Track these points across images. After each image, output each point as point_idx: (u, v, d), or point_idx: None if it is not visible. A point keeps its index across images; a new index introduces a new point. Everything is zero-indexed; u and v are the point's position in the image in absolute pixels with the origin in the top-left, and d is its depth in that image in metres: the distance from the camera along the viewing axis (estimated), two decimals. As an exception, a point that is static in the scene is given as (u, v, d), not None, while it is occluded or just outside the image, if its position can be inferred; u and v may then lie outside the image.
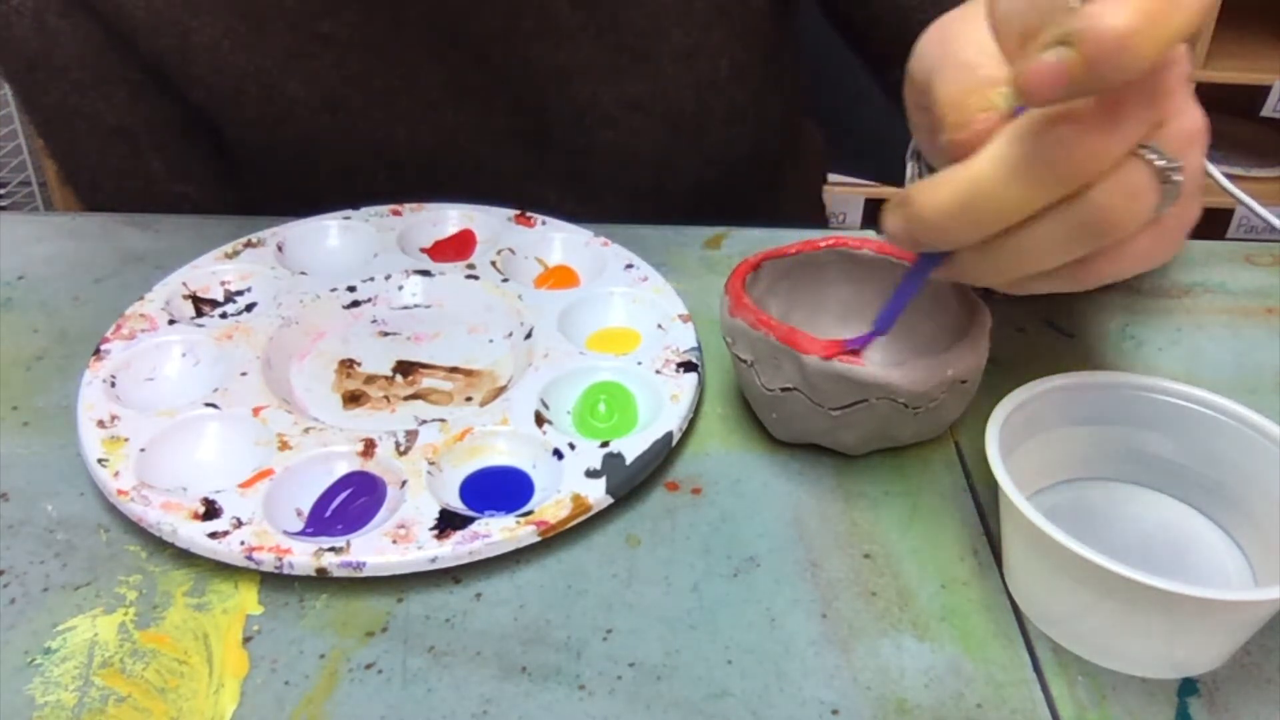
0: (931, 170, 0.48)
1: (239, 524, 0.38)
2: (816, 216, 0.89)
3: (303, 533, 0.39)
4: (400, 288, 0.53)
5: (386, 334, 0.51)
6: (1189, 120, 0.34)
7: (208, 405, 0.44)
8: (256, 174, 0.67)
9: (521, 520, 0.39)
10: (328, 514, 0.40)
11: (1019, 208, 0.32)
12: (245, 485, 0.40)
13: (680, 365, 0.47)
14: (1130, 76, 0.29)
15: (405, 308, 0.53)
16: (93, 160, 0.64)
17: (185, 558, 0.39)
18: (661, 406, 0.45)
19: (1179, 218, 0.35)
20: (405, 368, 0.49)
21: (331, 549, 0.38)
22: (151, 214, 0.61)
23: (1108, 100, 0.31)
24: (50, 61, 0.60)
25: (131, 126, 0.63)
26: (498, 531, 0.38)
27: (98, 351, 0.47)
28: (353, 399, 0.47)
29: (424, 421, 0.44)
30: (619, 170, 0.66)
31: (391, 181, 0.64)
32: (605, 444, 0.42)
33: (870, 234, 0.59)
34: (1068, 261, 0.35)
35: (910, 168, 0.54)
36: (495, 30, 0.59)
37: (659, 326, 0.50)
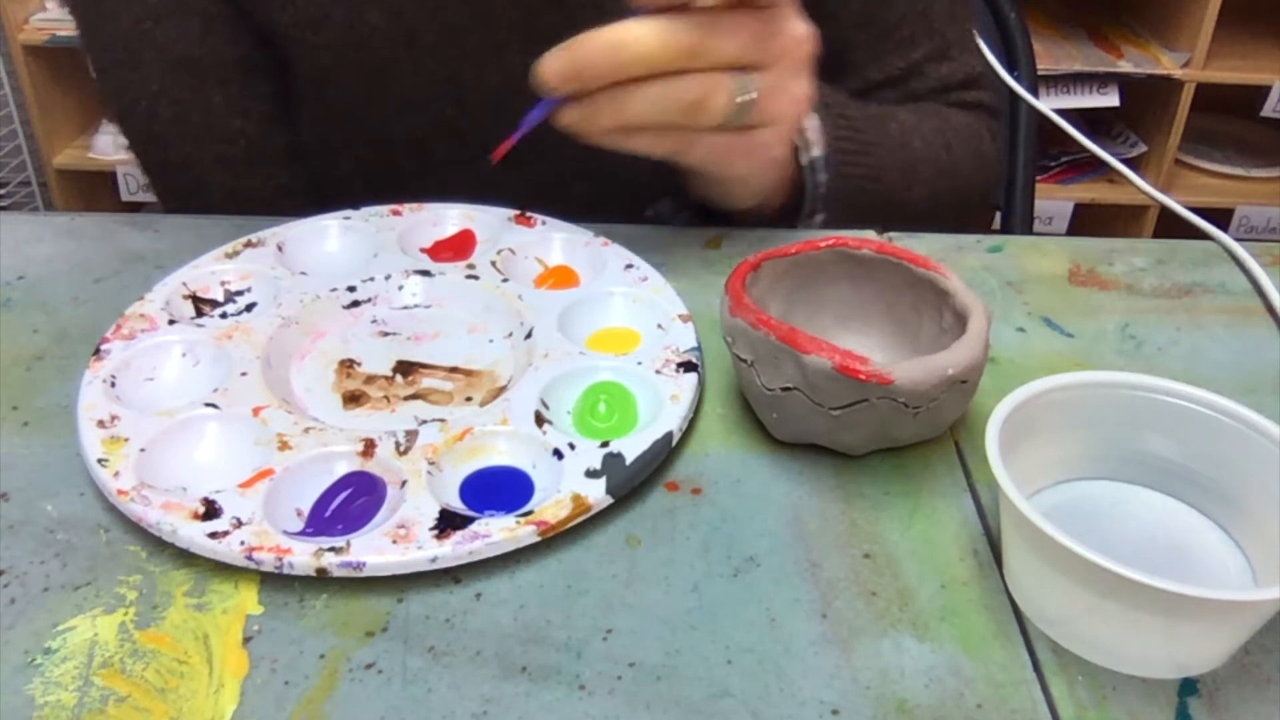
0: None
1: (239, 524, 0.38)
2: None
3: (303, 533, 0.39)
4: (400, 288, 0.53)
5: (386, 334, 0.51)
6: (781, 42, 0.49)
7: (208, 405, 0.44)
8: (318, 109, 0.69)
9: (521, 520, 0.39)
10: (328, 514, 0.40)
11: (641, 62, 0.46)
12: (245, 485, 0.40)
13: (680, 365, 0.47)
14: None
15: (405, 308, 0.53)
16: (154, 89, 0.66)
17: (185, 558, 0.39)
18: (661, 406, 0.45)
19: (765, 138, 0.52)
20: (405, 368, 0.49)
21: (331, 549, 0.38)
22: (151, 214, 0.61)
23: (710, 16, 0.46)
24: None
25: (200, 58, 0.65)
26: (498, 531, 0.38)
27: (98, 351, 0.47)
28: (353, 399, 0.47)
29: (424, 421, 0.44)
30: None
31: (456, 118, 0.65)
32: (605, 444, 0.42)
33: (870, 234, 0.59)
34: (667, 125, 0.49)
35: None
36: None
37: (659, 326, 0.50)
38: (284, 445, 0.42)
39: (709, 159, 0.52)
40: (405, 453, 0.42)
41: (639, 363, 0.47)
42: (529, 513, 0.39)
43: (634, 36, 0.46)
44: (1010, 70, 0.89)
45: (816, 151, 0.60)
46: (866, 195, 0.62)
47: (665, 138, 0.50)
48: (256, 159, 0.70)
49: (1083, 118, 1.83)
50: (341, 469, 0.42)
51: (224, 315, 0.50)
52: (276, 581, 0.38)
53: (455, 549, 0.38)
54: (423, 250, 0.56)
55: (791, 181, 0.61)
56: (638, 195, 0.62)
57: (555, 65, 0.47)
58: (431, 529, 0.39)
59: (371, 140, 0.69)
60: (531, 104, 0.50)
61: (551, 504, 0.40)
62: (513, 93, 0.65)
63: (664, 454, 0.43)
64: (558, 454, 0.42)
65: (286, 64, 0.68)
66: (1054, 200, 1.91)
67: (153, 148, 0.69)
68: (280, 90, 0.69)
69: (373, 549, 0.38)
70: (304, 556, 0.37)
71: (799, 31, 0.51)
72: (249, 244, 0.55)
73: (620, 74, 0.47)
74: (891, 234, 0.60)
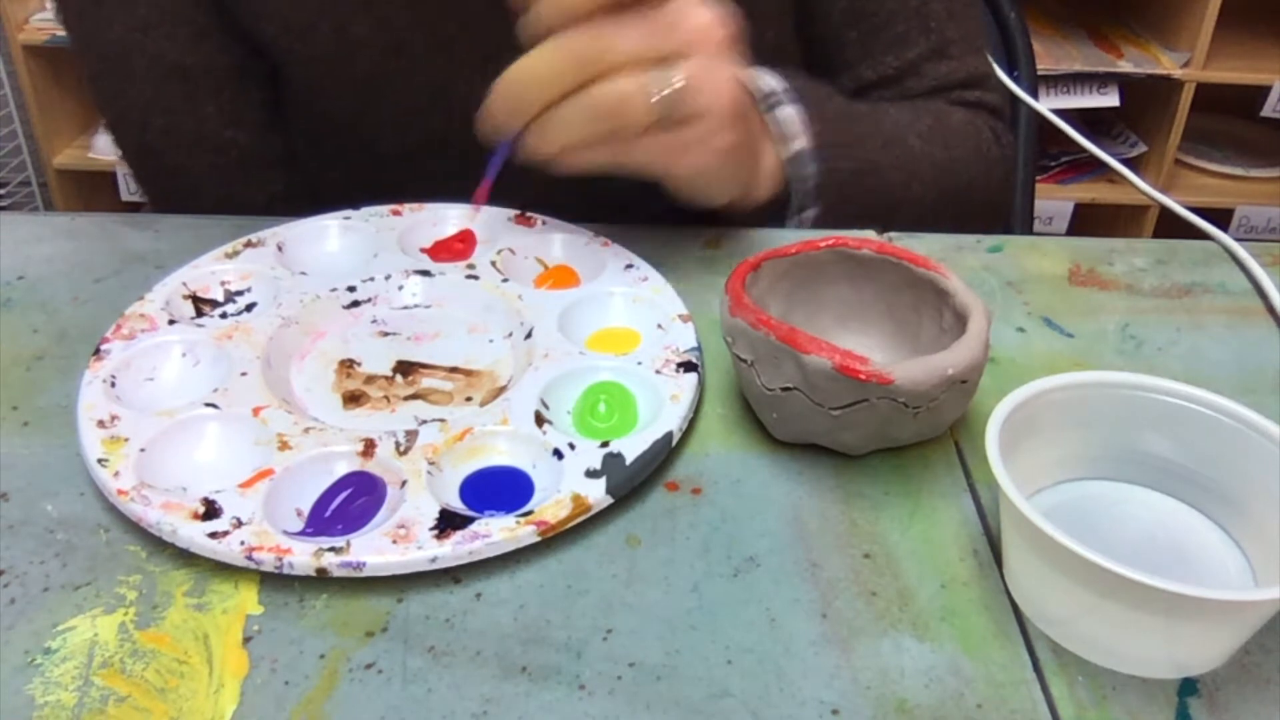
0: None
1: (239, 524, 0.38)
2: None
3: (303, 533, 0.39)
4: (400, 288, 0.53)
5: (386, 334, 0.51)
6: (687, 32, 0.49)
7: (207, 405, 0.44)
8: (309, 119, 0.69)
9: (521, 520, 0.39)
10: (328, 514, 0.40)
11: (548, 85, 0.48)
12: (245, 485, 0.40)
13: (680, 365, 0.47)
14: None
15: (405, 308, 0.53)
16: (146, 98, 0.66)
17: (185, 558, 0.39)
18: (661, 406, 0.45)
19: (701, 129, 0.50)
20: (405, 368, 0.49)
21: (331, 549, 0.38)
22: (151, 214, 0.61)
23: (600, 21, 0.47)
24: None
25: (191, 67, 0.65)
26: (498, 531, 0.38)
27: (98, 351, 0.47)
28: (353, 399, 0.47)
29: (424, 421, 0.44)
30: None
31: (446, 130, 0.65)
32: (605, 444, 0.42)
33: (870, 234, 0.59)
34: (600, 137, 0.49)
35: None
36: None
37: (659, 326, 0.50)
38: (284, 445, 0.42)
39: (651, 161, 0.52)
40: (405, 453, 0.42)
41: (639, 363, 0.47)
42: (529, 513, 0.39)
43: (533, 62, 0.48)
44: (1010, 70, 0.90)
45: (799, 144, 0.60)
46: (862, 191, 0.62)
47: (602, 148, 0.50)
48: (250, 167, 0.70)
49: (1083, 118, 1.83)
50: (341, 469, 0.42)
51: (224, 315, 0.50)
52: (276, 581, 0.38)
53: (455, 549, 0.38)
54: (423, 250, 0.56)
55: (776, 176, 0.61)
56: (630, 202, 0.62)
57: (490, 111, 0.50)
58: (431, 529, 0.39)
59: (363, 151, 0.69)
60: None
61: (551, 504, 0.40)
62: None
63: (664, 454, 0.43)
64: (558, 454, 0.42)
65: (278, 72, 0.68)
66: (1054, 200, 1.91)
67: (146, 157, 0.69)
68: (273, 98, 0.69)
69: (373, 549, 0.38)
70: (304, 556, 0.37)
71: (705, 17, 0.50)
72: (249, 244, 0.55)
73: (538, 102, 0.49)
74: (891, 234, 0.60)
